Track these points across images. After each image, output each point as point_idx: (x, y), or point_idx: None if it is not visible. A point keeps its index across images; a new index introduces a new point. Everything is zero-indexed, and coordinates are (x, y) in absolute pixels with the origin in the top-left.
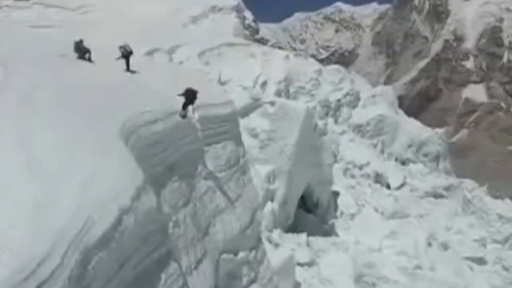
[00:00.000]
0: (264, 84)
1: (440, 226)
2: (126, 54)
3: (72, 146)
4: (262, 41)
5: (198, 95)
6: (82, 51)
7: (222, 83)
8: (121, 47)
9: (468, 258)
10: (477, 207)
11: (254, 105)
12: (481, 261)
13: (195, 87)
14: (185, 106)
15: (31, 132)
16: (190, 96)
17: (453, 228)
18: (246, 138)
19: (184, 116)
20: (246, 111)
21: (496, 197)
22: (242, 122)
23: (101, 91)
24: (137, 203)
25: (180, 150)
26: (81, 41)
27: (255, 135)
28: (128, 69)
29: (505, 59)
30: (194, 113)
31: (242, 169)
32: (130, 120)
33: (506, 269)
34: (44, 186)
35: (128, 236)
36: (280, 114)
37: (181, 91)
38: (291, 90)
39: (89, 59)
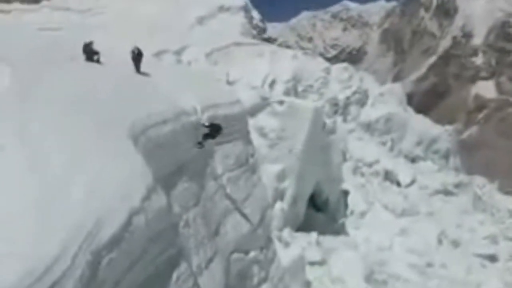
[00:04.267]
0: (272, 83)
1: (451, 223)
2: (137, 56)
3: (80, 147)
4: (270, 41)
5: (207, 96)
6: (91, 53)
7: (230, 83)
8: (132, 51)
9: (479, 255)
10: (487, 204)
11: (262, 105)
12: (493, 258)
13: (218, 123)
14: (206, 138)
15: (38, 134)
16: (214, 130)
17: (464, 225)
18: (255, 138)
19: (201, 147)
20: (254, 111)
21: (507, 193)
22: (251, 122)
23: (109, 92)
24: (147, 203)
25: (189, 150)
26: (90, 43)
27: (264, 135)
28: (138, 70)
29: None
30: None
31: (251, 168)
32: (139, 121)
33: None
34: (52, 187)
35: (139, 237)
36: (289, 113)
37: (207, 123)
38: (300, 89)
39: (98, 61)
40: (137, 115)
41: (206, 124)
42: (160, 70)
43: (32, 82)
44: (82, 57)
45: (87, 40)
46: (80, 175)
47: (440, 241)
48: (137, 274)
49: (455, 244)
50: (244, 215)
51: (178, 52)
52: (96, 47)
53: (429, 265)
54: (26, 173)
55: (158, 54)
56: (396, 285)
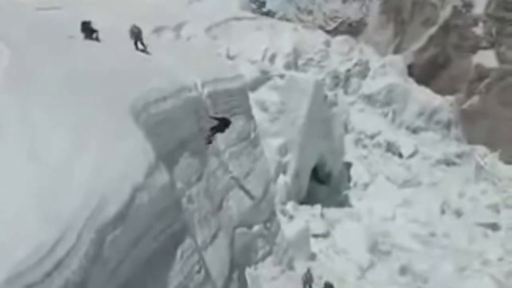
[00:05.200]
0: (272, 57)
1: (453, 193)
2: (137, 35)
3: (82, 126)
4: (269, 14)
5: (208, 71)
6: (89, 31)
7: (230, 57)
8: (131, 29)
9: (481, 224)
10: (489, 173)
11: (263, 79)
12: (495, 226)
13: (226, 117)
14: (214, 132)
15: (39, 116)
16: (222, 124)
17: (466, 195)
18: (256, 112)
19: (210, 142)
20: (255, 85)
21: (508, 162)
22: (252, 96)
23: (109, 70)
24: (150, 180)
25: (191, 126)
26: (88, 22)
27: (265, 109)
28: (138, 49)
29: None
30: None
31: (253, 142)
32: (140, 98)
33: None
34: (55, 167)
35: (142, 214)
36: (290, 87)
37: (216, 116)
38: (300, 62)
39: (97, 39)
40: (138, 92)
41: (216, 117)
42: (159, 47)
43: (31, 62)
44: (80, 36)
45: (85, 19)
46: (83, 155)
47: (442, 211)
48: (142, 251)
49: (458, 213)
50: (247, 190)
51: (177, 28)
52: (94, 25)
53: (432, 234)
54: (29, 156)
55: (157, 31)
56: (400, 255)
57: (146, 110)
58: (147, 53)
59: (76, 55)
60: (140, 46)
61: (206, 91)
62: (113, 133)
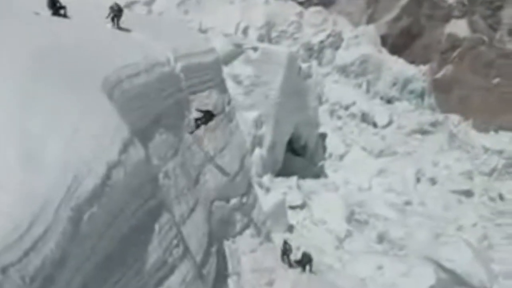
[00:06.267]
0: (245, 30)
1: (428, 161)
2: (117, 13)
3: (53, 104)
4: None
5: (181, 45)
6: (56, 7)
7: (203, 31)
8: (111, 6)
9: (455, 192)
10: (463, 141)
11: (236, 52)
12: (468, 193)
13: (209, 109)
14: (198, 125)
15: (8, 92)
16: (208, 116)
17: (440, 163)
18: (230, 85)
19: (192, 132)
20: (229, 58)
21: (481, 130)
22: (226, 70)
23: (80, 47)
24: (125, 156)
25: (164, 101)
26: None
27: (239, 82)
28: (119, 26)
29: None
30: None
31: (228, 116)
32: (112, 74)
33: (492, 199)
34: (28, 146)
35: (119, 190)
36: (263, 60)
37: (201, 109)
38: (273, 34)
39: (65, 15)
40: (110, 68)
41: (201, 109)
42: (131, 22)
43: None
44: (47, 12)
45: None
46: (56, 133)
47: (417, 180)
48: (120, 227)
49: (432, 181)
50: (223, 163)
51: (149, 3)
52: (61, 1)
53: (408, 203)
54: (1, 137)
55: (128, 5)
56: (376, 223)
57: (119, 86)
58: (126, 30)
59: (44, 32)
60: (116, 24)
61: (179, 65)
62: (86, 110)
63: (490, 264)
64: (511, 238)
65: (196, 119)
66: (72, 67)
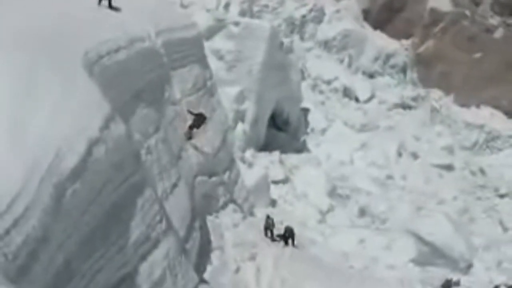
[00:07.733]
0: (227, 4)
1: (409, 136)
2: None
3: (33, 82)
4: None
5: (161, 20)
6: None
7: (184, 6)
8: None
9: (437, 166)
10: (444, 116)
11: (218, 27)
12: (449, 167)
13: (201, 113)
14: (192, 128)
15: None
16: (200, 120)
17: (422, 138)
18: (212, 61)
19: (190, 138)
20: (210, 33)
21: (462, 105)
22: (207, 45)
23: (58, 22)
24: (106, 132)
25: (145, 76)
26: None
27: (221, 57)
28: (110, 6)
29: None
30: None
31: (210, 91)
32: (92, 51)
33: (473, 173)
34: (8, 123)
35: (101, 166)
36: (245, 34)
37: (193, 112)
38: (255, 9)
39: None
40: (89, 44)
41: (192, 112)
42: None
43: None
44: None
45: None
46: (36, 110)
47: (399, 154)
48: (102, 204)
49: (414, 156)
50: (205, 139)
51: None
52: None
53: (389, 177)
54: None
55: None
56: (358, 198)
57: (98, 62)
58: (117, 9)
59: (18, 9)
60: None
61: (160, 40)
62: (66, 86)
63: (470, 237)
64: (491, 211)
65: (190, 126)
66: (51, 44)
